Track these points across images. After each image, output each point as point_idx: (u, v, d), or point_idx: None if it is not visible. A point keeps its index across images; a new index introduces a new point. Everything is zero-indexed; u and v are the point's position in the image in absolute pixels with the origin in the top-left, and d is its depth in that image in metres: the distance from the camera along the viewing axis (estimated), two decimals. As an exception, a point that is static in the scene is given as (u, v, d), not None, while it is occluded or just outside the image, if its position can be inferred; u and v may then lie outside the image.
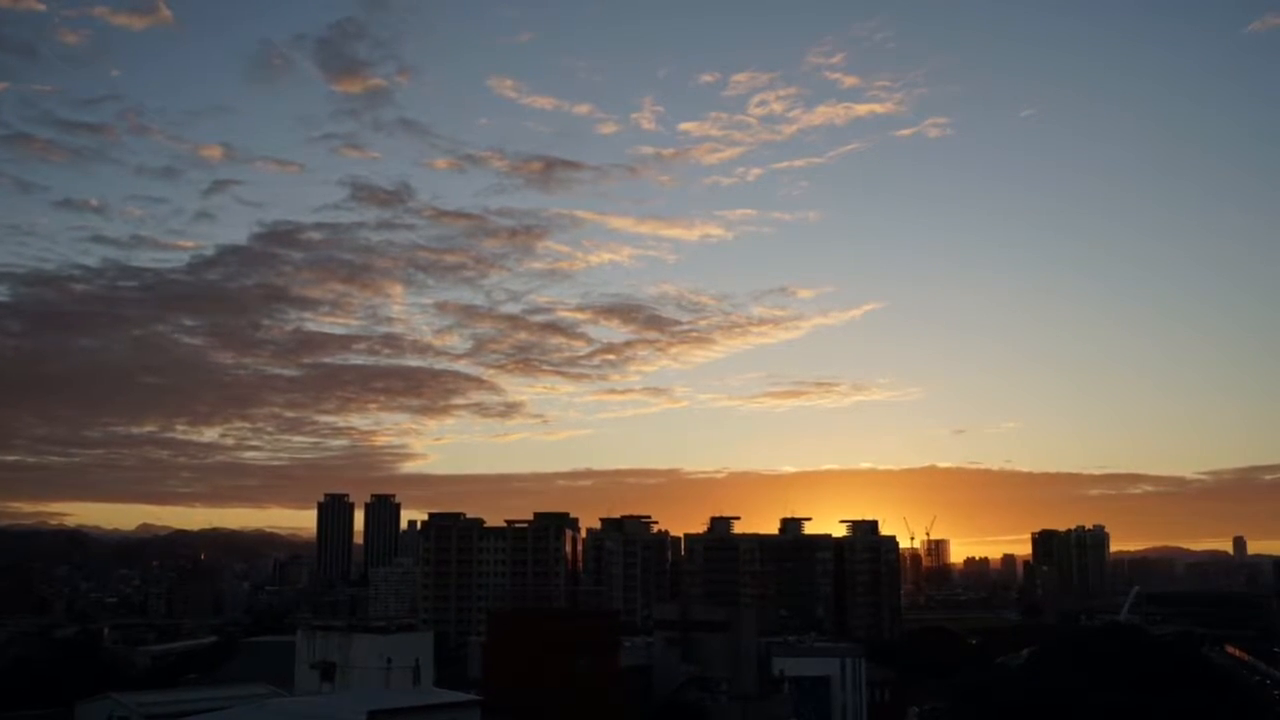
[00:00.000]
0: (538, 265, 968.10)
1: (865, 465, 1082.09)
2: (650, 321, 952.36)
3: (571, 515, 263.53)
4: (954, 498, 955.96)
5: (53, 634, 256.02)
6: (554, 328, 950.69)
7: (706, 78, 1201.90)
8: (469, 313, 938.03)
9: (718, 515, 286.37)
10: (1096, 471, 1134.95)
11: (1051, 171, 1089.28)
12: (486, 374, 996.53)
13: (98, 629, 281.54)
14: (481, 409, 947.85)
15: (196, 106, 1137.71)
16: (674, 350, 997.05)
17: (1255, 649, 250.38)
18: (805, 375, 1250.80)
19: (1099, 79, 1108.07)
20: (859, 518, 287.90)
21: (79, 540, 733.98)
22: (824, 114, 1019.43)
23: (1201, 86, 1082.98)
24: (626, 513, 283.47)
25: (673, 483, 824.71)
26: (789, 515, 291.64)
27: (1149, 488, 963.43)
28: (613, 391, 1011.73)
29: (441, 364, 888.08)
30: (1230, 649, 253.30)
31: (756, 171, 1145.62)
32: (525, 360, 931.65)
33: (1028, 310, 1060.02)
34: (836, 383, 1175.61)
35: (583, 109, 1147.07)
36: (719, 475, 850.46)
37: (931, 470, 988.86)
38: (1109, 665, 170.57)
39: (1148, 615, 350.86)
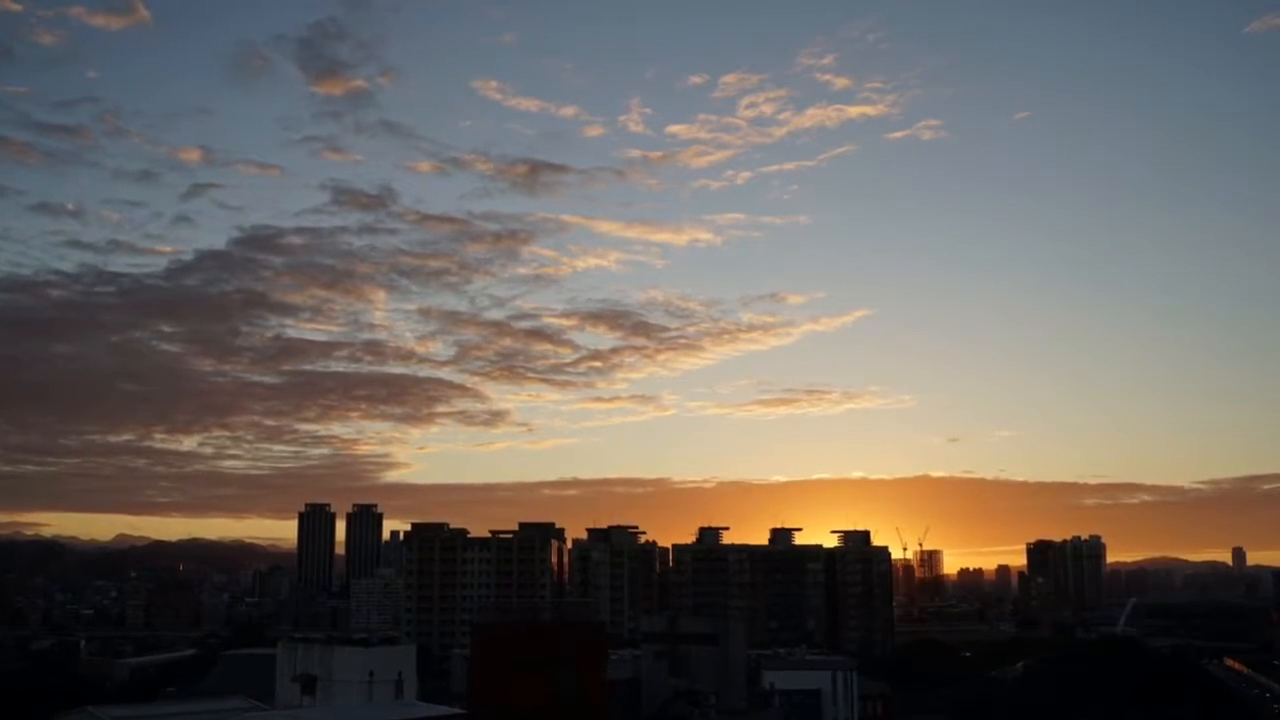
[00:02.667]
0: (523, 270, 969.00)
1: (857, 474, 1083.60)
2: (638, 328, 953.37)
3: (557, 525, 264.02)
4: (948, 508, 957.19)
5: (29, 646, 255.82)
6: (539, 334, 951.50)
7: (695, 79, 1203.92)
8: (453, 319, 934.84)
9: (706, 525, 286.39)
10: (1093, 481, 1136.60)
11: (1047, 175, 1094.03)
12: (470, 381, 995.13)
13: (74, 641, 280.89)
14: (465, 417, 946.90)
15: (175, 108, 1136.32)
16: (662, 357, 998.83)
17: (1255, 662, 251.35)
18: (796, 383, 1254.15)
19: (1095, 80, 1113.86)
20: (851, 528, 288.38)
21: (55, 551, 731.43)
22: (814, 116, 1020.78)
23: (1200, 87, 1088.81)
24: (613, 523, 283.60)
25: (661, 492, 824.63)
26: (779, 525, 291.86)
27: (1146, 497, 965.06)
28: (599, 399, 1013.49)
29: (425, 371, 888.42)
30: (1229, 662, 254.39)
31: (746, 175, 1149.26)
32: (510, 367, 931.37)
33: (1023, 316, 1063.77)
34: (828, 390, 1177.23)
35: (569, 111, 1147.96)
36: (708, 485, 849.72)
37: (925, 480, 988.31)
38: (1105, 679, 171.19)
39: (1145, 627, 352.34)
